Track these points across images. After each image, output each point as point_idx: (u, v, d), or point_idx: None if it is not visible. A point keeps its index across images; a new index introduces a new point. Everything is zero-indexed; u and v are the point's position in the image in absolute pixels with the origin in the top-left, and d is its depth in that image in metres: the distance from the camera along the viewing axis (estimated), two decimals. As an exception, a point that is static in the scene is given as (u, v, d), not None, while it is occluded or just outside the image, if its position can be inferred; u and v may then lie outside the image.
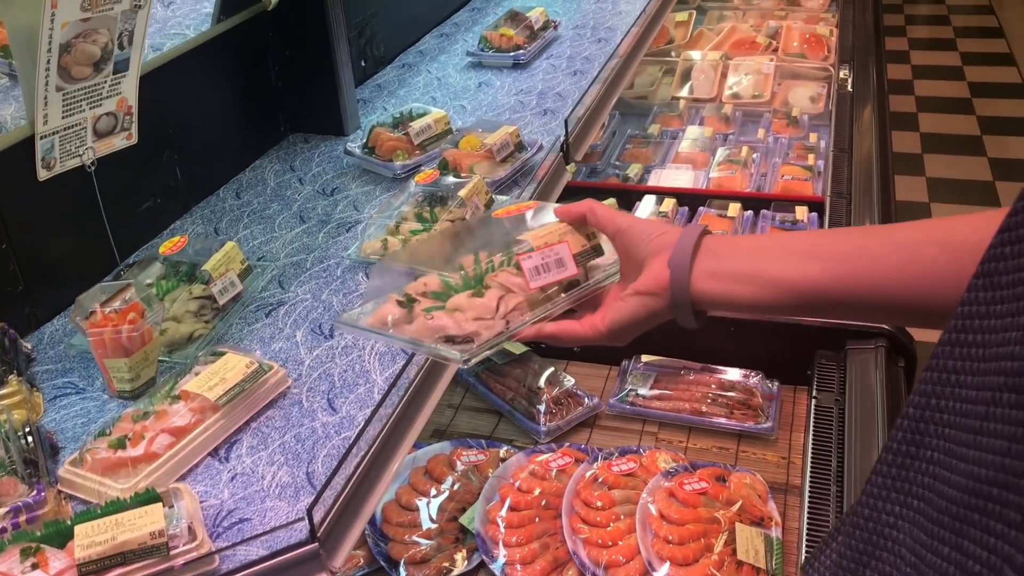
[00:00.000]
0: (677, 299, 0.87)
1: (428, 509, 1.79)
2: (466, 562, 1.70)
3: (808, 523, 1.70)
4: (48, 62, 1.33)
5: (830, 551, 0.80)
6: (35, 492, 1.06)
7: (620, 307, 0.91)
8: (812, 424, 1.92)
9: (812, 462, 1.83)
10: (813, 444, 1.87)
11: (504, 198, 1.71)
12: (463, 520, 1.77)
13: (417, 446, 2.00)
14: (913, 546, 0.64)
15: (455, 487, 1.83)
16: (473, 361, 0.93)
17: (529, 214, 1.04)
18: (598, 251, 1.00)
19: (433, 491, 1.83)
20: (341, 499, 1.08)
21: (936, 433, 0.64)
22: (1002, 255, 0.58)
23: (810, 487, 1.77)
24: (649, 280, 0.89)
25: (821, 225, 2.71)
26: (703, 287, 0.86)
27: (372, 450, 1.16)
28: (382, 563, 1.69)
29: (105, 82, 1.44)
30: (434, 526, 1.76)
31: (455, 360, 0.92)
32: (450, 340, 0.93)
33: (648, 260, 0.90)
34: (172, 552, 0.99)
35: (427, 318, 0.95)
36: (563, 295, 0.97)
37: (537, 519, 1.75)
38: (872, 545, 0.71)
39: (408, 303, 0.98)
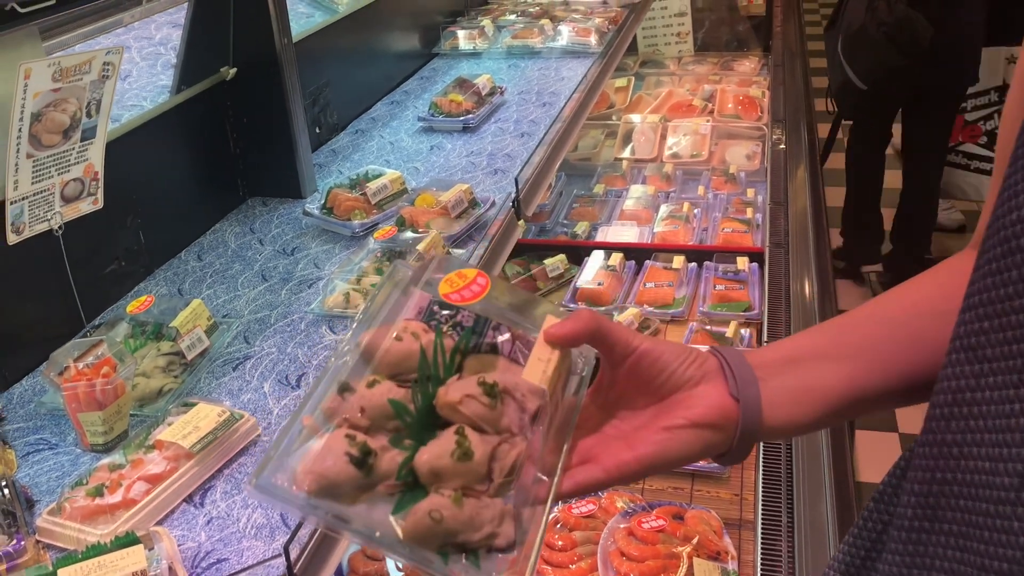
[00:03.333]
0: (748, 432, 0.76)
1: (394, 559, 1.82)
2: (433, 608, 1.72)
3: (762, 555, 1.76)
4: (20, 130, 1.38)
5: None
6: (14, 542, 1.09)
7: (666, 441, 0.76)
8: (762, 462, 2.00)
9: (763, 497, 1.90)
10: (764, 480, 1.94)
11: (460, 251, 1.78)
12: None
13: (381, 498, 2.02)
14: None
15: (420, 536, 1.86)
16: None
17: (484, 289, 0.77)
18: (571, 369, 0.79)
19: (398, 541, 1.86)
20: (316, 536, 1.12)
21: (951, 506, 0.63)
22: (983, 330, 0.59)
23: (762, 521, 1.84)
24: (711, 412, 0.76)
25: (762, 274, 2.83)
26: (776, 416, 0.77)
27: (343, 490, 1.21)
28: (350, 613, 1.71)
29: (73, 149, 1.50)
30: (400, 575, 1.78)
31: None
32: (458, 548, 0.65)
33: (686, 390, 0.77)
34: (153, 592, 1.02)
35: (432, 519, 0.64)
36: (552, 435, 0.74)
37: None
38: None
39: (363, 460, 0.66)
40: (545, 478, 0.71)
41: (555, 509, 1.92)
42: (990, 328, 0.58)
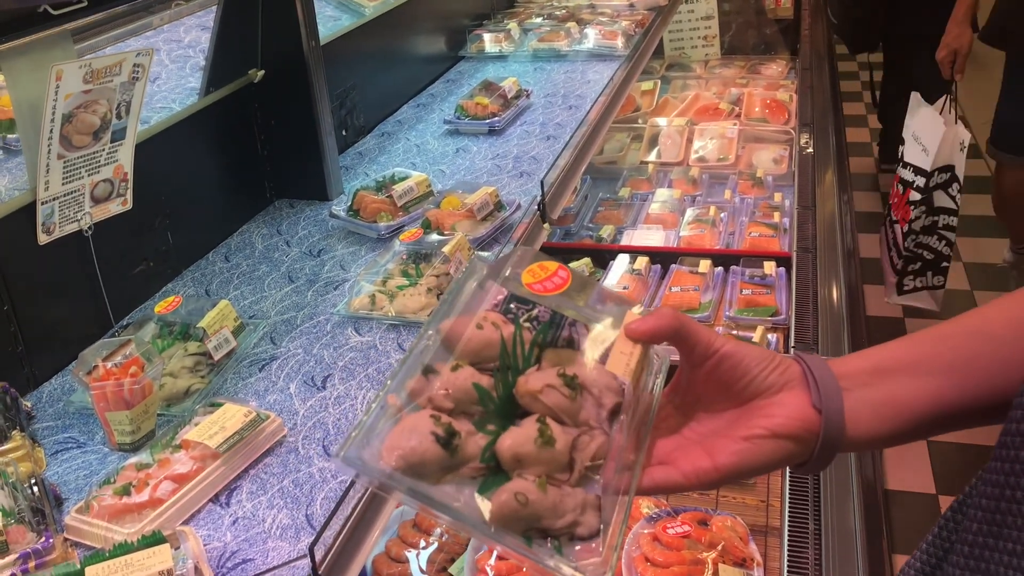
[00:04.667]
0: (829, 444, 0.74)
1: (418, 560, 1.82)
2: (457, 611, 1.72)
3: (788, 563, 1.75)
4: (51, 131, 1.40)
5: None
6: (43, 539, 1.09)
7: (746, 452, 0.74)
8: (788, 468, 1.98)
9: (790, 504, 1.88)
10: (791, 487, 1.92)
11: (486, 254, 1.78)
12: (452, 570, 1.79)
13: (405, 501, 2.03)
14: None
15: (443, 538, 1.86)
16: None
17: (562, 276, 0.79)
18: (648, 368, 0.78)
19: (422, 543, 1.86)
20: (341, 537, 1.12)
21: (1016, 524, 0.62)
22: None
23: (789, 528, 1.82)
24: (793, 422, 0.74)
25: (789, 279, 2.81)
26: (854, 428, 0.75)
27: (368, 491, 1.21)
28: (374, 615, 1.71)
29: (103, 150, 1.51)
30: (424, 577, 1.78)
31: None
32: (541, 533, 0.66)
33: (768, 396, 0.76)
34: (179, 591, 1.02)
35: (518, 502, 0.64)
36: (631, 431, 0.73)
37: (524, 568, 1.78)
38: None
39: (448, 441, 0.66)
40: (627, 472, 0.70)
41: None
42: None
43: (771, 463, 0.75)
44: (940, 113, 3.40)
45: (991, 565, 0.63)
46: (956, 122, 3.39)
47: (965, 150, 3.36)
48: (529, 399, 0.69)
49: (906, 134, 3.54)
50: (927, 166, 3.35)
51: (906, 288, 3.61)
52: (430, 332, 0.74)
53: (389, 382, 0.69)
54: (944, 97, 3.46)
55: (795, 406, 0.75)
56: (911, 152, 3.48)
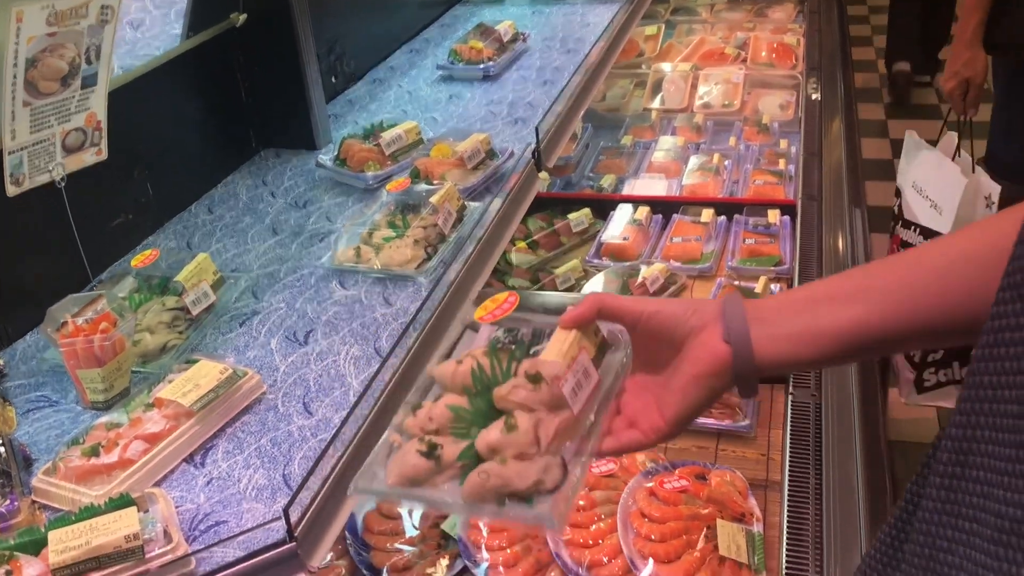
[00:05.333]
0: (742, 373, 0.81)
1: (410, 516, 1.78)
2: (449, 567, 1.69)
3: (789, 518, 1.71)
4: (15, 76, 1.33)
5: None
6: (8, 502, 1.06)
7: (681, 399, 0.83)
8: (790, 420, 1.93)
9: (791, 458, 1.84)
10: (791, 440, 1.88)
11: (476, 204, 1.72)
12: (445, 526, 1.76)
13: (398, 456, 1.99)
14: (974, 569, 0.63)
15: (436, 495, 1.83)
16: (559, 524, 0.78)
17: (512, 310, 0.92)
18: (604, 346, 0.90)
19: (414, 499, 1.83)
20: (318, 499, 1.08)
21: (981, 451, 0.63)
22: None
23: (789, 482, 1.78)
24: (707, 361, 0.82)
25: (794, 227, 2.74)
26: (766, 354, 0.81)
27: (348, 451, 1.17)
28: (365, 572, 1.69)
29: (73, 97, 1.45)
30: (416, 533, 1.75)
31: (549, 523, 0.78)
32: (515, 496, 0.79)
33: (691, 341, 0.83)
34: (147, 555, 0.98)
35: (476, 475, 0.79)
36: (595, 405, 0.85)
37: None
38: (932, 572, 0.69)
39: (431, 452, 0.82)
40: (587, 437, 0.83)
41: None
42: None
43: (703, 402, 0.83)
44: (952, 159, 2.51)
45: (959, 494, 0.65)
46: (973, 170, 2.50)
47: (994, 206, 2.41)
48: (503, 403, 0.83)
49: (903, 183, 2.64)
50: (944, 229, 2.44)
51: (927, 384, 2.82)
52: (419, 382, 0.91)
53: (391, 426, 0.86)
54: (950, 137, 2.60)
55: (709, 344, 0.82)
56: (916, 208, 2.60)
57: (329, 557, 1.75)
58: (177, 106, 1.84)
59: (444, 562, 1.70)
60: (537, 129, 1.96)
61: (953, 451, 0.66)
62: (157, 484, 1.13)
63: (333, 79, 2.32)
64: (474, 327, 0.95)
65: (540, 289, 2.58)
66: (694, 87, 3.78)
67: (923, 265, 0.80)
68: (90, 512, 1.01)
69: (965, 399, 0.65)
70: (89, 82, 1.47)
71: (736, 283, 2.56)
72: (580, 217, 2.87)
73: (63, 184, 1.47)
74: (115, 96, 1.51)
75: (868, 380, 1.98)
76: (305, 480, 1.08)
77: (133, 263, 1.50)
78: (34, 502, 1.09)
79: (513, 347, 0.90)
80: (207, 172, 1.93)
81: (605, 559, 1.65)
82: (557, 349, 0.85)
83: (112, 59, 1.50)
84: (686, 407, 0.83)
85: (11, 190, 1.39)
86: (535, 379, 0.82)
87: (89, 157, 1.52)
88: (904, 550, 0.74)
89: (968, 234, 0.80)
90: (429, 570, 1.68)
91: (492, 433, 0.81)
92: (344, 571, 1.71)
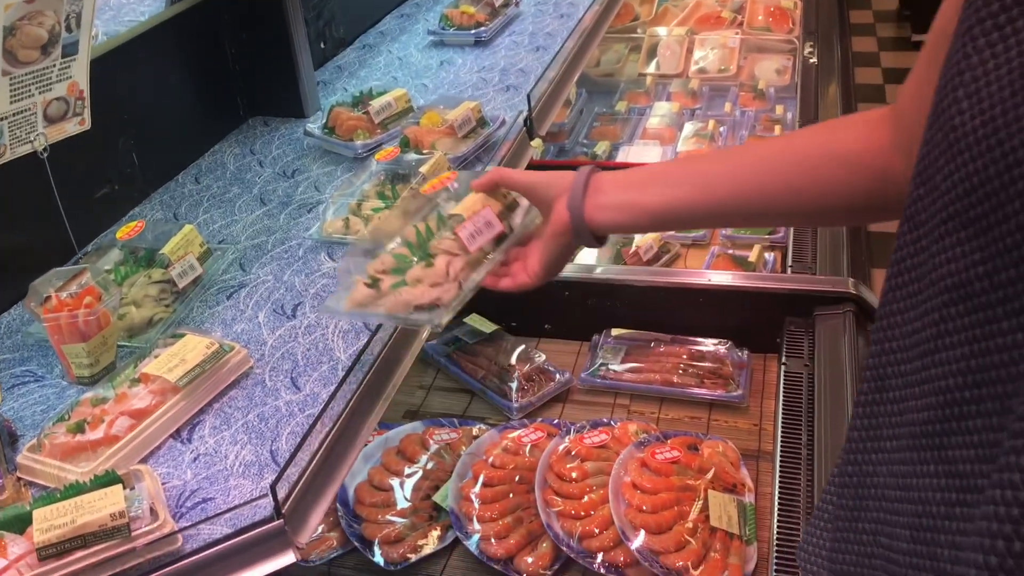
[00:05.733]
0: (579, 232, 1.04)
1: (401, 489, 1.78)
2: (441, 539, 1.69)
3: (780, 488, 1.71)
4: (-8, 46, 1.30)
5: (824, 523, 0.84)
6: (-7, 479, 1.05)
7: (542, 250, 1.09)
8: (782, 391, 1.93)
9: (783, 428, 1.84)
10: (784, 410, 1.88)
11: (468, 173, 1.69)
12: (437, 498, 1.76)
13: (389, 427, 1.99)
14: (896, 481, 0.68)
15: (428, 466, 1.83)
16: (444, 323, 1.09)
17: (454, 185, 1.27)
18: (514, 206, 1.18)
19: (406, 470, 1.82)
20: (306, 475, 1.08)
21: (895, 372, 0.69)
22: (918, 196, 0.66)
23: (781, 453, 1.78)
24: (556, 222, 1.06)
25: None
26: (595, 218, 1.03)
27: (337, 426, 1.16)
28: (356, 544, 1.69)
29: (54, 66, 1.42)
30: (408, 505, 1.75)
31: (428, 324, 1.10)
32: (420, 308, 1.10)
33: (554, 205, 1.06)
34: (134, 533, 0.97)
35: (396, 295, 1.11)
36: (497, 248, 1.15)
37: (511, 494, 1.75)
38: (860, 498, 0.75)
39: (374, 283, 1.13)
40: (475, 273, 1.12)
41: (566, 440, 1.87)
42: (924, 194, 0.65)
43: (558, 253, 1.08)
44: None
45: (879, 418, 0.72)
46: None
47: None
48: (435, 249, 1.13)
49: None
50: None
51: None
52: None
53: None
54: None
55: (558, 209, 1.05)
56: None
57: (320, 529, 1.75)
58: (162, 73, 1.81)
59: (435, 534, 1.70)
60: (529, 96, 1.93)
61: (872, 379, 0.73)
62: (143, 461, 1.12)
63: (322, 45, 2.28)
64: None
65: (533, 258, 2.56)
66: (689, 52, 3.73)
67: (732, 162, 0.99)
68: (75, 490, 1.00)
69: (878, 328, 0.72)
70: (70, 50, 1.44)
71: (730, 251, 2.55)
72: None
73: (46, 155, 1.45)
74: (99, 64, 1.48)
75: (861, 351, 1.97)
76: (292, 456, 1.07)
77: (118, 235, 1.48)
78: (19, 479, 1.08)
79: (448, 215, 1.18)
80: (194, 141, 1.90)
81: (596, 530, 1.65)
82: (464, 206, 1.15)
83: (94, 26, 1.46)
84: (547, 257, 1.09)
85: (-8, 161, 1.37)
86: (455, 234, 1.12)
87: (72, 127, 1.49)
88: (836, 483, 0.80)
89: (788, 138, 0.97)
90: (421, 542, 1.68)
91: (416, 269, 1.12)
92: (336, 543, 1.71)
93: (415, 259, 1.14)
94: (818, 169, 0.90)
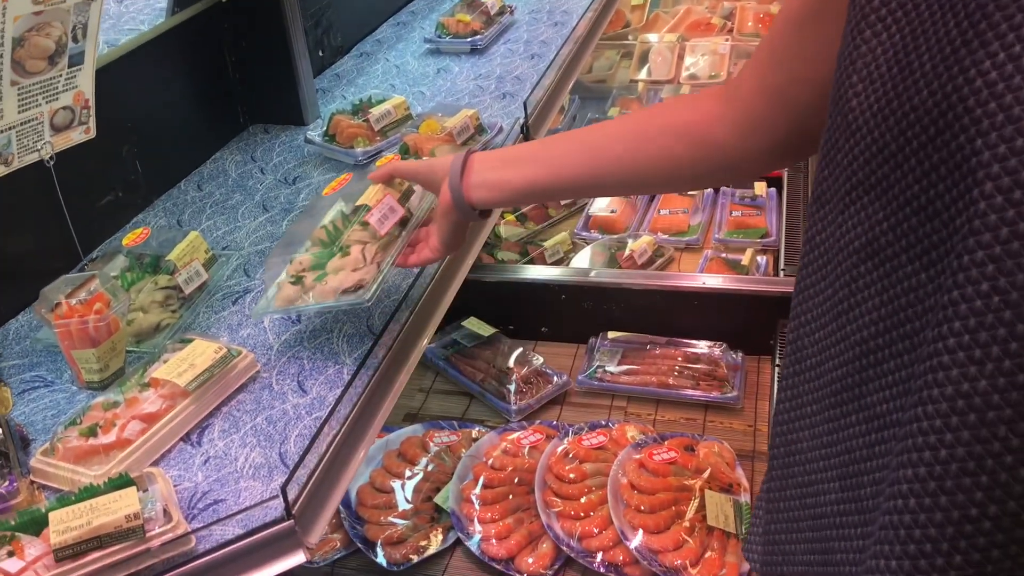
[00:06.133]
0: (461, 209, 1.14)
1: (403, 490, 1.81)
2: (442, 540, 1.72)
3: (775, 487, 1.74)
4: (2, 56, 1.32)
5: (760, 506, 0.90)
6: (7, 483, 1.07)
7: (438, 229, 1.20)
8: (776, 392, 1.96)
9: (777, 428, 1.87)
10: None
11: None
12: (438, 500, 1.79)
13: (389, 430, 2.01)
14: (821, 440, 0.74)
15: (429, 468, 1.85)
16: (372, 298, 1.21)
17: (346, 185, 1.41)
18: (410, 193, 1.32)
19: (407, 473, 1.85)
20: (315, 477, 1.10)
21: (811, 341, 0.75)
22: (823, 178, 0.73)
23: (776, 453, 1.81)
24: (442, 202, 1.16)
25: (780, 200, 2.76)
26: (471, 196, 1.13)
27: (344, 428, 1.18)
28: (359, 545, 1.71)
29: (60, 76, 1.44)
30: (409, 507, 1.78)
31: (360, 303, 1.21)
32: (347, 292, 1.21)
33: (440, 187, 1.16)
34: (148, 534, 1.00)
35: (321, 285, 1.23)
36: (403, 231, 1.28)
37: (511, 495, 1.78)
38: (787, 466, 0.81)
39: (298, 280, 1.26)
40: (389, 254, 1.26)
41: (564, 442, 1.90)
42: (828, 174, 0.71)
43: (450, 230, 1.18)
44: None
45: (800, 387, 0.77)
46: None
47: None
48: (348, 241, 1.26)
49: None
50: None
51: None
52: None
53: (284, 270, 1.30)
54: None
55: (443, 190, 1.15)
56: None
57: (324, 531, 1.77)
58: (164, 82, 1.83)
59: (437, 535, 1.72)
60: (526, 103, 1.96)
61: (790, 353, 0.79)
62: (155, 464, 1.14)
63: (320, 53, 2.31)
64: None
65: (529, 262, 2.59)
66: (681, 58, 3.77)
67: (582, 140, 1.07)
68: (90, 492, 1.02)
69: (794, 305, 0.78)
70: (76, 60, 1.46)
71: (723, 255, 2.58)
72: (568, 190, 2.87)
73: (52, 163, 1.47)
74: (102, 73, 1.50)
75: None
76: (302, 458, 1.09)
77: (124, 242, 1.50)
78: (33, 482, 1.10)
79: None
80: (196, 149, 1.92)
81: (596, 530, 1.68)
82: (367, 197, 1.28)
83: (99, 37, 1.49)
84: (442, 234, 1.19)
85: (0, 170, 1.39)
86: (364, 224, 1.26)
87: (77, 135, 1.51)
88: (774, 465, 0.85)
89: (631, 116, 1.05)
90: (423, 543, 1.70)
91: (335, 261, 1.25)
92: (339, 544, 1.74)
93: (331, 253, 1.26)
94: (653, 140, 0.99)
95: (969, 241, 0.56)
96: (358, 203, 1.29)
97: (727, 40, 3.80)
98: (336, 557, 1.72)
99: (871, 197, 0.66)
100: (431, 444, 1.92)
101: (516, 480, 1.81)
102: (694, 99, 1.00)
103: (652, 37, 3.90)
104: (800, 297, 0.78)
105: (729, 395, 2.06)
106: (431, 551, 1.70)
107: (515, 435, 1.93)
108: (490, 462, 1.85)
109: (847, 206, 0.69)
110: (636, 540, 1.65)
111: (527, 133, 1.96)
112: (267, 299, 1.27)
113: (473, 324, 2.30)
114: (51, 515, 0.99)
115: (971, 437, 0.56)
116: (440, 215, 1.18)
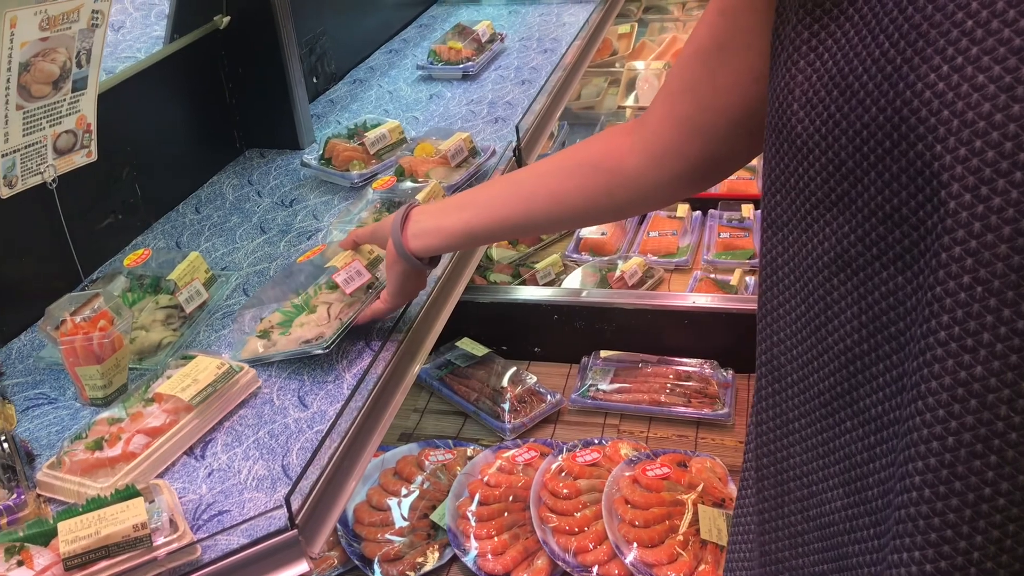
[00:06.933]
0: (405, 258, 1.19)
1: (399, 508, 1.82)
2: (439, 557, 1.73)
3: (767, 501, 1.76)
4: (8, 81, 1.35)
5: (746, 523, 0.94)
6: (15, 496, 1.08)
7: (388, 280, 1.26)
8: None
9: (768, 444, 1.90)
10: (768, 427, 1.94)
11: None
12: (434, 517, 1.80)
13: (385, 449, 2.03)
14: (817, 451, 0.76)
15: (425, 486, 1.87)
16: (331, 346, 1.28)
17: (322, 254, 1.45)
18: (377, 261, 1.37)
19: (403, 491, 1.86)
20: (317, 487, 1.12)
21: (788, 359, 0.77)
22: (776, 203, 0.75)
23: (767, 467, 1.84)
24: (388, 254, 1.22)
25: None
26: (411, 245, 1.18)
27: (345, 441, 1.20)
28: (356, 562, 1.72)
29: (64, 100, 1.47)
30: (406, 524, 1.79)
31: (319, 349, 1.29)
32: (308, 342, 1.30)
33: (388, 241, 1.21)
34: (155, 544, 1.01)
35: (286, 337, 1.32)
36: (368, 292, 1.35)
37: (506, 512, 1.80)
38: (781, 483, 0.81)
39: (265, 334, 1.36)
40: (356, 305, 1.34)
41: (559, 459, 1.91)
42: (781, 199, 0.74)
43: (400, 282, 1.25)
44: None
45: (780, 407, 0.78)
46: None
47: None
48: (315, 302, 1.35)
49: None
50: None
51: None
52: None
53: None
54: None
55: (388, 245, 1.20)
56: None
57: (321, 548, 1.78)
58: (162, 108, 1.87)
59: (434, 551, 1.74)
60: (518, 128, 2.00)
61: (768, 373, 0.80)
62: (159, 476, 1.16)
63: (315, 79, 2.35)
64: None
65: (521, 284, 2.62)
66: (667, 84, 3.83)
67: (510, 181, 1.13)
68: (97, 503, 1.04)
69: (762, 328, 0.81)
70: (80, 85, 1.49)
71: (712, 275, 2.62)
72: (558, 213, 2.91)
73: (55, 185, 1.50)
74: (103, 98, 1.54)
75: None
76: (305, 469, 1.12)
77: (126, 263, 1.53)
78: (39, 495, 1.12)
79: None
80: (193, 172, 1.95)
81: (591, 545, 1.70)
82: (337, 259, 1.37)
83: (101, 62, 1.52)
84: (392, 286, 1.26)
85: (4, 192, 1.42)
86: (331, 286, 1.35)
87: (80, 159, 1.54)
88: (754, 479, 0.87)
89: (555, 156, 1.09)
90: (419, 560, 1.72)
91: (301, 317, 1.35)
92: (336, 561, 1.75)
93: (299, 312, 1.36)
94: (571, 175, 1.04)
95: (944, 239, 0.59)
96: (327, 265, 1.38)
97: (712, 67, 3.86)
98: (334, 574, 1.73)
99: (833, 213, 0.68)
100: (427, 462, 1.94)
101: (511, 497, 1.83)
102: (608, 133, 1.05)
103: (639, 64, 3.97)
104: (768, 319, 0.80)
105: (720, 412, 2.09)
106: (428, 568, 1.71)
107: (510, 453, 1.95)
108: (485, 479, 1.87)
109: (809, 225, 0.71)
110: (631, 554, 1.67)
111: (519, 156, 2.00)
112: (233, 352, 1.37)
113: (467, 344, 2.33)
114: (60, 525, 1.00)
115: (975, 421, 0.59)
116: (388, 266, 1.24)
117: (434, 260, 1.23)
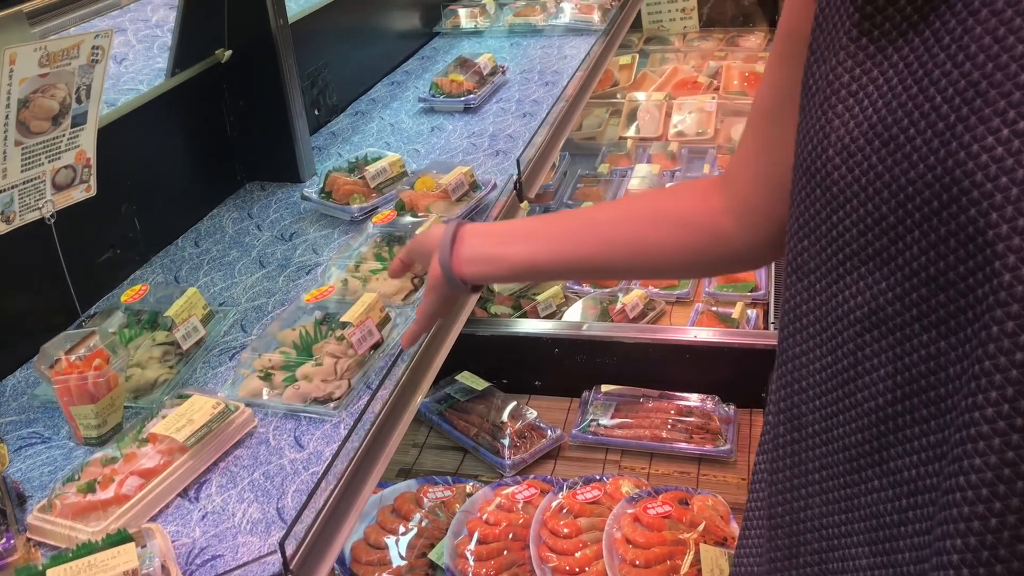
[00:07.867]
0: (451, 284, 1.11)
1: (397, 546, 1.80)
2: (437, 597, 1.71)
3: (770, 541, 1.74)
4: (7, 117, 1.35)
5: (752, 570, 0.92)
6: (4, 540, 1.06)
7: (426, 301, 1.18)
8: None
9: (771, 482, 1.87)
10: (771, 464, 1.91)
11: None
12: (432, 556, 1.78)
13: (383, 485, 2.01)
14: (839, 506, 0.74)
15: (423, 524, 1.85)
16: (338, 413, 1.28)
17: (335, 297, 1.49)
18: (386, 320, 1.40)
19: (401, 528, 1.84)
20: (312, 531, 1.10)
21: (809, 409, 0.75)
22: (803, 248, 0.74)
23: (770, 506, 1.81)
24: (431, 276, 1.13)
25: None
26: (463, 271, 1.09)
27: (341, 483, 1.19)
28: (353, 602, 1.70)
29: (63, 136, 1.47)
30: (404, 563, 1.77)
31: (328, 414, 1.28)
32: (316, 400, 1.30)
33: (430, 260, 1.14)
34: (146, 591, 1.00)
35: (292, 388, 1.31)
36: (374, 353, 1.37)
37: (505, 551, 1.77)
38: (796, 534, 0.79)
39: (266, 376, 1.34)
40: (359, 372, 1.35)
41: (559, 496, 1.90)
42: (809, 245, 0.72)
43: (438, 303, 1.16)
44: None
45: (792, 446, 0.77)
46: None
47: None
48: (319, 352, 1.36)
49: None
50: None
51: None
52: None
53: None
54: None
55: (432, 264, 1.11)
56: None
57: (317, 588, 1.75)
58: (163, 141, 1.86)
59: (432, 591, 1.72)
60: (519, 161, 1.99)
61: (787, 421, 0.78)
62: (153, 519, 1.14)
63: (316, 112, 2.35)
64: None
65: (522, 315, 2.61)
66: (668, 115, 3.84)
67: (585, 219, 1.08)
68: (88, 549, 1.02)
69: (782, 374, 0.78)
70: (79, 120, 1.49)
71: (713, 308, 2.61)
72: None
73: (53, 221, 1.49)
74: (103, 132, 1.53)
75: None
76: (299, 514, 1.10)
77: (123, 298, 1.52)
78: (29, 540, 1.10)
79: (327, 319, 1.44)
80: (193, 206, 1.95)
81: (591, 585, 1.67)
82: (352, 313, 1.36)
83: (101, 97, 1.52)
84: (428, 306, 1.17)
85: (1, 228, 1.41)
86: (341, 338, 1.36)
87: (78, 194, 1.54)
88: (766, 527, 0.85)
89: (635, 200, 1.09)
90: (417, 599, 1.70)
91: (306, 367, 1.33)
92: (332, 602, 1.72)
93: (301, 358, 1.36)
94: (659, 227, 0.99)
95: (997, 312, 0.56)
96: (343, 319, 1.36)
97: (713, 98, 3.88)
98: (330, 615, 1.71)
99: (869, 268, 0.66)
100: (425, 499, 1.92)
101: (511, 535, 1.80)
102: (701, 189, 1.00)
103: (640, 95, 3.98)
104: (790, 365, 0.78)
105: (722, 448, 2.07)
106: (426, 608, 1.69)
107: (509, 490, 1.93)
108: (484, 517, 1.85)
109: (840, 276, 0.69)
110: (632, 595, 1.64)
111: (520, 190, 1.99)
112: (230, 389, 1.35)
113: (467, 378, 2.31)
114: (49, 572, 0.99)
115: (1021, 504, 0.57)
116: (429, 288, 1.15)
117: (478, 287, 1.15)
